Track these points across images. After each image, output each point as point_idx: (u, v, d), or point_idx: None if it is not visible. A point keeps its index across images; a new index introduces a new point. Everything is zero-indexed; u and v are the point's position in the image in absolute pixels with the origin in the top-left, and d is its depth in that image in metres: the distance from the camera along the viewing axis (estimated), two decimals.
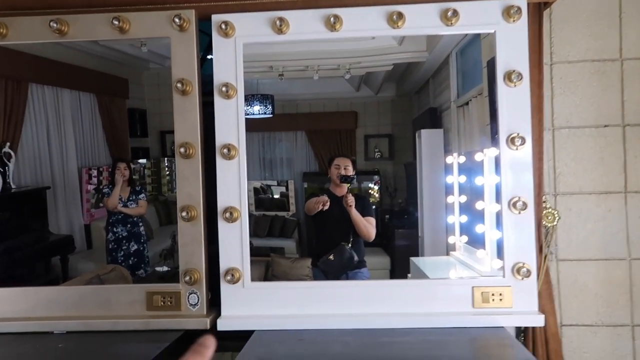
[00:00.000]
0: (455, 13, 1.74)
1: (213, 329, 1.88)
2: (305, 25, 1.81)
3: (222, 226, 1.89)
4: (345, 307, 1.83)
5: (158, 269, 2.29)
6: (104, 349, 1.81)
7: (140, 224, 2.45)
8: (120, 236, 2.38)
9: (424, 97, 2.94)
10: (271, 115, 3.02)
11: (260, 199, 3.44)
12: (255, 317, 1.89)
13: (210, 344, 0.90)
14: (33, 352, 1.78)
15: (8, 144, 2.19)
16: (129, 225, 2.40)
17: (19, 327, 1.92)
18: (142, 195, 2.47)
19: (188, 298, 1.94)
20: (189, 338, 1.87)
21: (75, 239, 2.49)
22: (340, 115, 3.30)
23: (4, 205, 2.22)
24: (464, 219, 2.28)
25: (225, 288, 1.90)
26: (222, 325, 1.86)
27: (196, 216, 1.87)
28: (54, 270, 2.30)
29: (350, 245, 2.35)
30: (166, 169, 3.00)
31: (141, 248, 2.42)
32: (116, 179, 2.43)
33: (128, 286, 1.98)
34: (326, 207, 2.35)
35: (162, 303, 1.92)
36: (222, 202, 1.89)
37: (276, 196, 3.44)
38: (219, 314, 1.92)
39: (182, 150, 1.84)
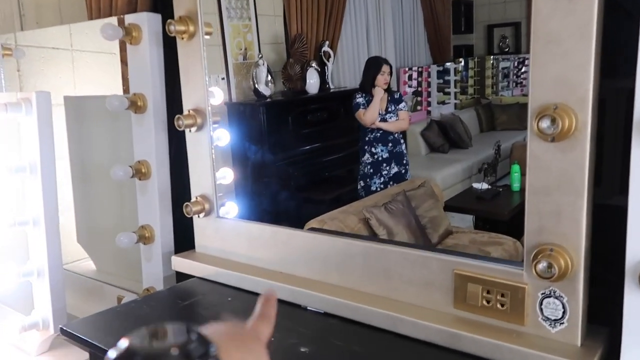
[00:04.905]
0: None
1: None
2: None
3: None
4: None
5: (476, 185, 1.80)
6: None
7: (402, 141, 2.08)
8: (380, 158, 2.05)
9: None
10: None
11: None
12: None
13: (274, 301, 0.70)
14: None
15: (327, 42, 2.16)
16: (390, 145, 2.05)
17: (266, 287, 1.30)
18: (403, 104, 2.02)
19: (540, 303, 0.98)
20: None
21: None
22: None
23: (323, 106, 2.25)
24: None
25: (633, 299, 0.89)
26: None
27: (573, 130, 0.91)
28: None
29: None
30: (491, 68, 2.63)
31: (403, 171, 2.07)
32: (376, 88, 1.93)
33: (422, 255, 1.18)
34: None
35: (484, 302, 1.04)
36: None
37: None
38: (606, 351, 0.97)
39: None
